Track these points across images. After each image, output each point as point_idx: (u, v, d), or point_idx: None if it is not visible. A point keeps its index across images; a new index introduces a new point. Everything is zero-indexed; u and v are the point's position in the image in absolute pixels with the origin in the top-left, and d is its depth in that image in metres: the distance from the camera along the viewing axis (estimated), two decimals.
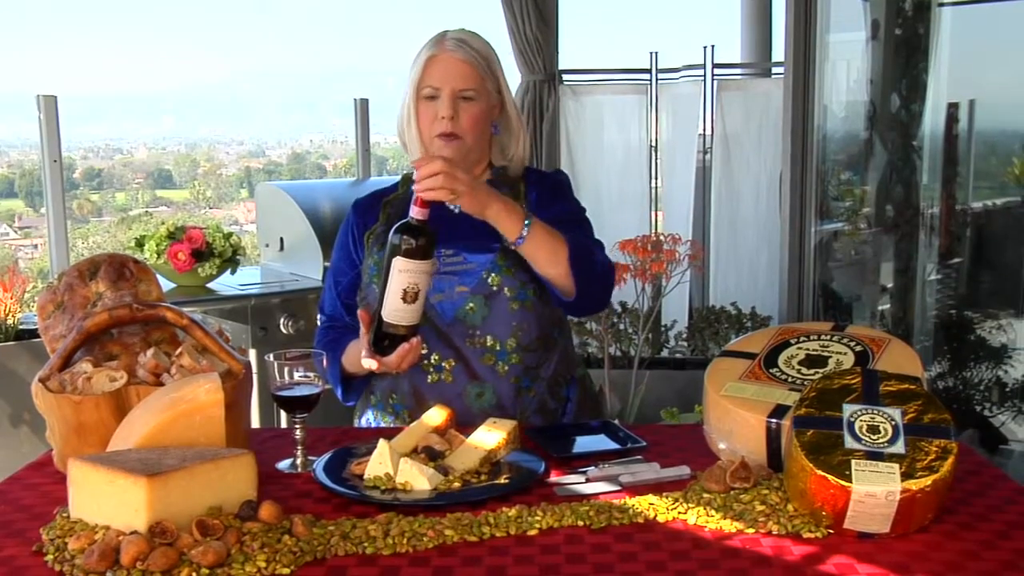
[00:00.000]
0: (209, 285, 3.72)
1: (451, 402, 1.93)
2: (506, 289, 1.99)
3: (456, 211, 2.06)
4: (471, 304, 1.99)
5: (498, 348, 2.00)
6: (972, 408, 3.94)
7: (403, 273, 1.75)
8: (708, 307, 4.36)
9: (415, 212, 1.76)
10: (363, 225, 2.14)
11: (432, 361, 2.01)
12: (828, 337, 1.77)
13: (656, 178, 4.93)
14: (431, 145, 2.02)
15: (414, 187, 1.78)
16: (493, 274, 1.99)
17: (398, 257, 1.76)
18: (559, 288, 1.94)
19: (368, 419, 2.12)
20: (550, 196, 2.10)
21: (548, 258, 1.90)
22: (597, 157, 4.93)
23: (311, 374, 1.72)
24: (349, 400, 2.12)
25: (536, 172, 2.17)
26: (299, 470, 1.71)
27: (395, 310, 1.78)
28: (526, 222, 1.86)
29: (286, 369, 1.72)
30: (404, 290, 1.76)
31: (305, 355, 1.74)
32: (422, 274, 1.76)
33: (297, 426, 1.73)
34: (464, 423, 1.85)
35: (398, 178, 2.23)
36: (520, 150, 2.11)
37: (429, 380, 2.01)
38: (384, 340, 1.82)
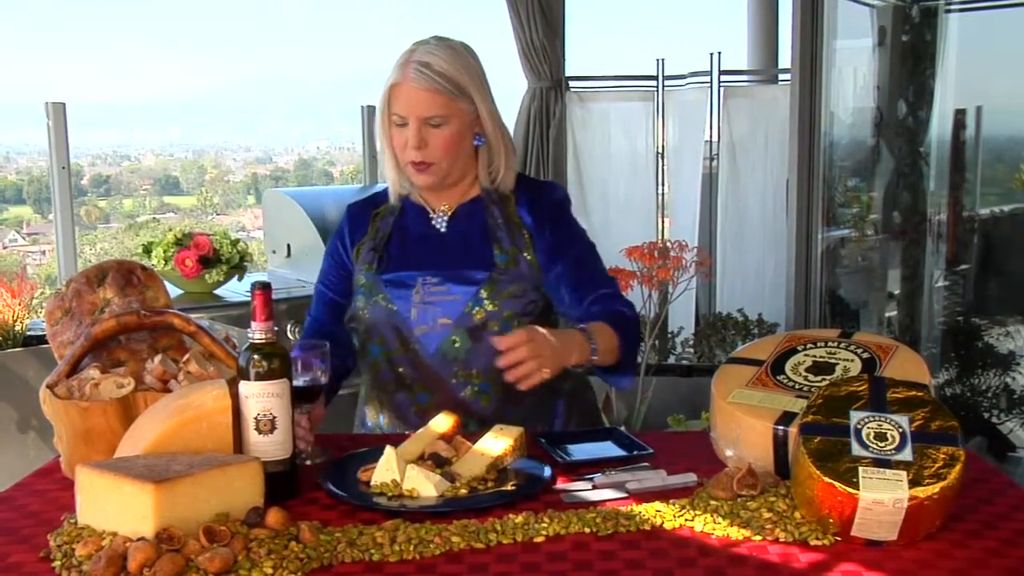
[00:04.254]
0: (216, 292, 3.73)
1: None
2: (491, 323, 1.94)
3: (443, 230, 2.04)
4: (454, 337, 1.95)
5: (481, 380, 1.97)
6: (980, 415, 3.93)
7: (250, 399, 1.56)
8: (715, 314, 4.36)
9: (257, 328, 1.58)
10: (353, 236, 2.10)
11: (415, 391, 2.00)
12: (835, 344, 1.77)
13: (663, 185, 4.93)
14: (405, 170, 2.00)
15: (506, 376, 1.71)
16: (477, 307, 1.94)
17: (241, 381, 1.57)
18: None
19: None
20: (550, 224, 2.03)
21: (607, 358, 1.89)
22: (604, 164, 4.93)
23: (316, 364, 1.70)
24: None
25: (526, 186, 2.09)
26: (308, 461, 1.70)
27: (254, 445, 1.56)
28: (592, 347, 1.84)
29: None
30: (256, 419, 1.56)
31: (311, 347, 1.73)
32: (273, 397, 1.56)
33: (303, 418, 1.71)
34: None
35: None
36: (503, 164, 2.03)
37: (413, 410, 2.00)
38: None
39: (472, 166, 2.04)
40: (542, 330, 1.77)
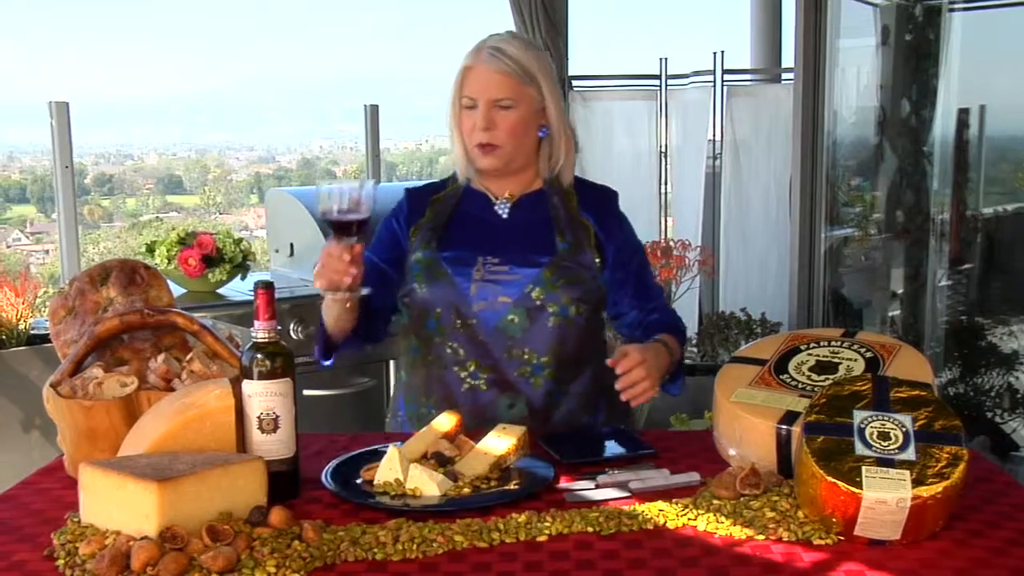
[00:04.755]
0: (219, 291, 3.72)
1: (482, 411, 1.94)
2: (549, 305, 1.98)
3: (505, 216, 2.08)
4: (512, 316, 1.97)
5: (535, 361, 1.99)
6: (983, 415, 3.92)
7: (253, 398, 1.57)
8: (718, 313, 4.35)
9: (260, 327, 1.59)
10: (410, 218, 2.13)
11: (468, 369, 2.00)
12: (838, 343, 1.77)
13: (666, 184, 4.93)
14: (471, 153, 2.03)
15: (623, 395, 1.80)
16: (537, 288, 1.97)
17: (245, 381, 1.57)
18: None
19: (400, 420, 2.13)
20: (618, 232, 2.11)
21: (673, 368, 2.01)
22: (607, 163, 4.92)
23: (358, 198, 1.71)
24: (325, 360, 2.08)
25: (583, 187, 2.14)
26: (351, 293, 1.73)
27: (257, 444, 1.57)
28: (672, 361, 1.97)
29: (336, 195, 1.70)
30: (259, 419, 1.56)
31: (355, 183, 1.73)
32: (276, 397, 1.57)
33: (345, 251, 1.71)
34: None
35: (448, 175, 2.19)
36: (563, 158, 2.08)
37: (463, 388, 2.00)
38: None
39: (534, 158, 2.08)
40: (646, 349, 1.86)
